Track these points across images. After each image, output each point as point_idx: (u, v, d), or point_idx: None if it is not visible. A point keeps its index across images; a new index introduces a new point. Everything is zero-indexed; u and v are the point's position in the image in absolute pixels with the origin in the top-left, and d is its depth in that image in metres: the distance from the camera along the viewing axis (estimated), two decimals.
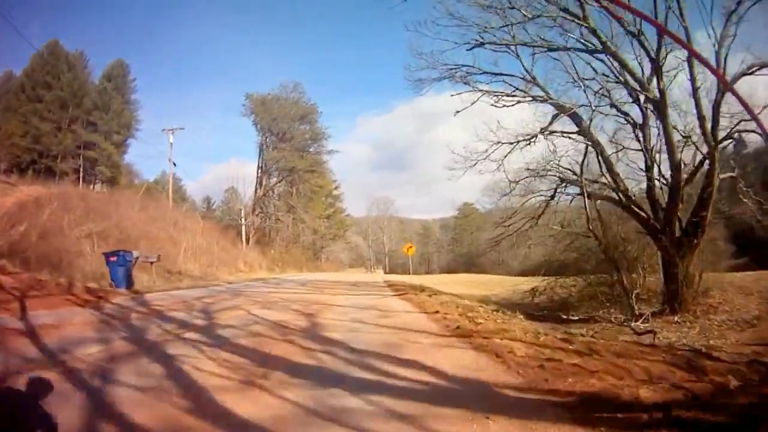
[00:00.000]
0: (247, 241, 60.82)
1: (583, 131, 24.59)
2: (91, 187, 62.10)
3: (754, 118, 6.62)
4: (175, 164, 55.11)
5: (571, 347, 9.19)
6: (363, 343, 9.20)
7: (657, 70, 21.57)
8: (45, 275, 18.70)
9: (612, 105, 24.57)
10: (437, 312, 14.33)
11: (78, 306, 14.19)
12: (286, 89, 72.07)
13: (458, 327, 11.15)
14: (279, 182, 73.78)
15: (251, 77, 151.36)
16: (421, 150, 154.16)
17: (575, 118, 24.89)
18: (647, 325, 17.80)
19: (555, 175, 27.07)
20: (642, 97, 22.63)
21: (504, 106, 25.73)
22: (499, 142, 26.27)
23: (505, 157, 26.50)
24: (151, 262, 26.66)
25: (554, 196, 27.62)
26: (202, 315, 13.72)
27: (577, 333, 14.91)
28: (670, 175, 22.39)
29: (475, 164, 26.89)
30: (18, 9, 74.29)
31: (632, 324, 17.23)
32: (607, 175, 24.42)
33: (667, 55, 21.40)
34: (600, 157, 24.60)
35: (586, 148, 24.83)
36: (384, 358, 8.06)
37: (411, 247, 43.20)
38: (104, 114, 64.29)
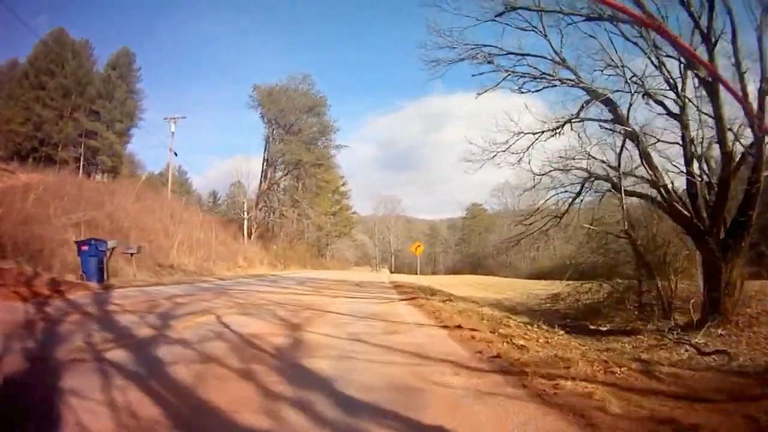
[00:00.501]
0: (249, 236, 57.52)
1: (620, 119, 21.24)
2: (92, 176, 59.06)
3: None
4: (176, 154, 52.56)
5: (664, 387, 6.75)
6: (360, 386, 5.92)
7: (708, 44, 18.21)
8: (12, 264, 16.66)
9: (645, 93, 21.24)
10: (459, 327, 11.00)
11: (20, 301, 12.01)
12: (294, 80, 68.70)
13: (498, 355, 7.80)
14: (284, 176, 70.44)
15: (256, 76, 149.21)
16: (428, 150, 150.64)
17: (609, 104, 21.62)
18: (699, 339, 14.40)
19: (583, 169, 23.82)
20: (680, 85, 19.67)
21: (528, 91, 22.86)
22: (521, 133, 23.18)
23: (528, 149, 23.46)
24: (131, 254, 24.14)
25: (581, 193, 23.98)
26: (157, 321, 10.54)
27: (622, 348, 13.54)
28: (721, 167, 19.01)
29: (494, 156, 23.70)
30: None
31: (693, 341, 13.83)
32: (648, 169, 20.94)
33: (720, 34, 18.15)
34: (638, 149, 21.20)
35: (624, 138, 21.48)
36: (392, 420, 4.74)
37: (419, 246, 40.11)
38: (107, 102, 61.81)
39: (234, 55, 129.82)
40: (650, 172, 21.01)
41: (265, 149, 67.66)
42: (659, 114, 21.32)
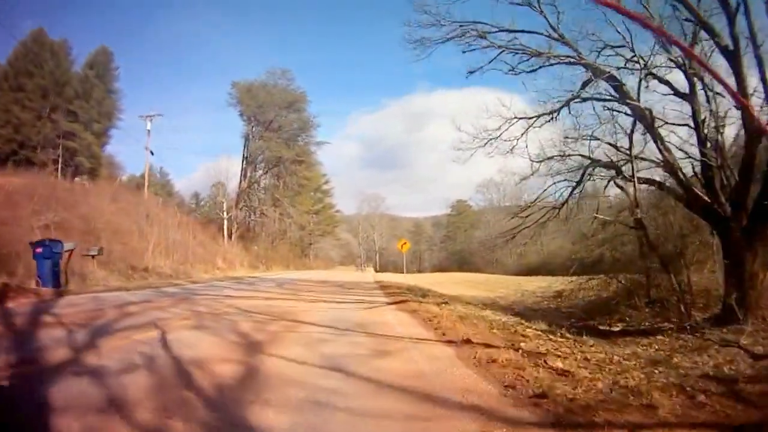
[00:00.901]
0: (230, 237, 54.71)
1: (627, 97, 18.91)
2: (70, 179, 56.20)
3: None
4: (152, 153, 49.46)
5: None
6: None
7: (728, 11, 15.90)
8: None
9: (649, 73, 18.91)
10: (468, 341, 8.36)
11: None
12: (273, 76, 65.56)
13: (542, 393, 5.20)
14: (264, 174, 67.61)
15: (238, 77, 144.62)
16: (412, 149, 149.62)
17: (613, 82, 19.21)
18: (744, 340, 11.95)
19: (584, 156, 21.66)
20: (688, 62, 17.36)
21: (523, 72, 20.70)
22: (514, 118, 21.26)
23: (522, 135, 21.56)
24: (92, 256, 22.46)
25: (581, 181, 21.85)
26: (86, 339, 8.11)
27: (653, 355, 11.36)
28: (744, 146, 16.75)
29: (485, 144, 21.76)
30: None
31: (741, 341, 11.40)
32: (662, 152, 18.57)
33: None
34: (650, 130, 18.85)
35: (634, 119, 19.23)
36: None
37: (405, 243, 37.79)
38: (85, 102, 59.16)
39: (216, 56, 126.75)
40: (664, 154, 18.72)
41: (245, 147, 64.88)
42: (664, 95, 19.15)
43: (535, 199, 23.70)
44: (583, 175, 21.72)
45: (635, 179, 18.77)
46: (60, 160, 57.74)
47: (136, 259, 30.16)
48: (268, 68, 67.68)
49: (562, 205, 22.50)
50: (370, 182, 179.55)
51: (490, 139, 21.59)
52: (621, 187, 22.16)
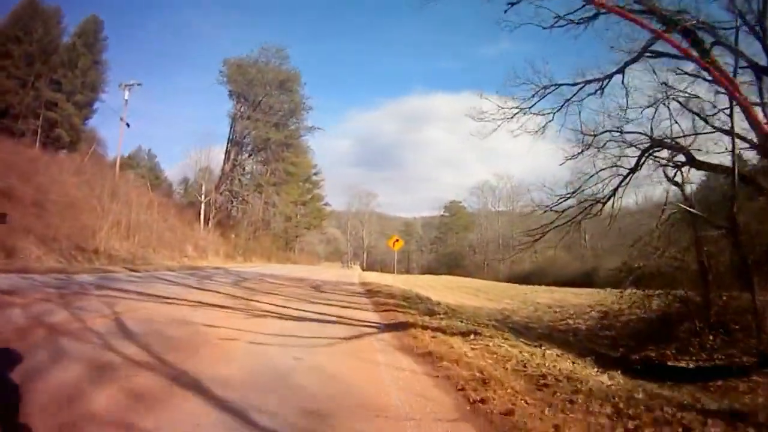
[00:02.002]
0: (206, 223, 48.14)
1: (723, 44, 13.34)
2: (49, 150, 50.36)
3: None
4: (128, 125, 44.00)
5: None
6: None
7: None
8: None
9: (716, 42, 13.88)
10: None
11: None
12: (266, 53, 58.59)
13: None
14: (249, 157, 60.40)
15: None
16: (406, 149, 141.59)
17: (690, 36, 13.82)
18: None
19: (644, 134, 16.59)
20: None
21: (567, 24, 16.09)
22: (552, 85, 16.80)
23: (560, 108, 17.20)
24: None
25: (637, 168, 16.62)
26: None
27: None
28: None
29: (513, 117, 17.47)
30: None
31: None
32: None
33: None
34: (737, 104, 12.96)
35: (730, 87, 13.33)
36: None
37: (398, 240, 32.41)
38: (70, 72, 52.89)
39: (213, 46, 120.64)
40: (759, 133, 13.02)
41: (231, 128, 57.77)
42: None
43: (574, 191, 17.85)
44: (639, 160, 16.52)
45: (735, 165, 12.94)
46: (39, 131, 51.76)
47: (85, 239, 25.44)
48: (263, 44, 60.01)
49: (608, 198, 17.39)
50: (362, 180, 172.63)
51: (519, 112, 17.32)
52: (675, 182, 16.73)
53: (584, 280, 50.35)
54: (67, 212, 26.02)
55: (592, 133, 16.98)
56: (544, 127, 17.64)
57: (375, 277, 37.58)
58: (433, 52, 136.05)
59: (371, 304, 15.05)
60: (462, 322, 12.69)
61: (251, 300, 13.18)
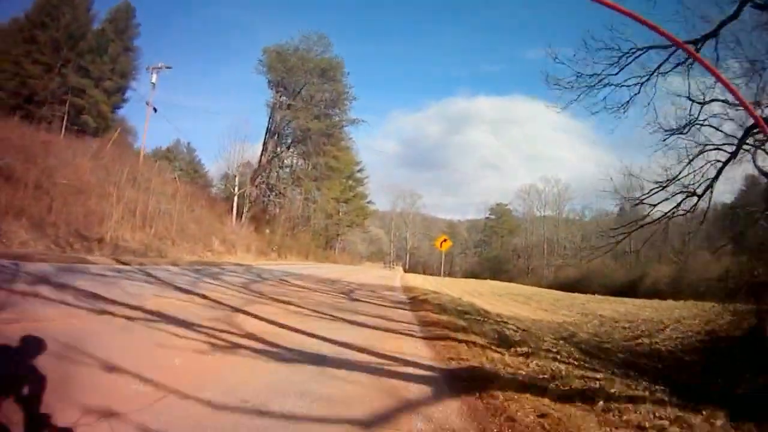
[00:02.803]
0: (239, 217, 43.93)
1: None
2: (74, 136, 47.30)
3: None
4: (155, 109, 39.98)
5: None
6: None
7: None
8: None
9: None
10: None
11: None
12: (308, 41, 53.62)
13: None
14: (288, 149, 55.71)
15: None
16: (450, 151, 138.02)
17: None
18: None
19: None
20: None
21: None
22: (639, 49, 13.78)
23: (649, 78, 14.30)
24: None
25: (737, 153, 13.51)
26: None
27: None
28: None
29: (593, 87, 14.68)
30: None
31: None
32: None
33: None
34: None
35: None
36: None
37: (446, 240, 28.00)
38: (98, 57, 50.35)
39: (255, 42, 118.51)
40: None
41: (270, 118, 53.34)
42: None
43: (667, 181, 14.50)
44: (742, 142, 13.35)
45: None
46: (65, 117, 49.54)
47: (89, 227, 22.34)
48: (303, 32, 55.05)
49: (706, 189, 14.11)
50: (406, 181, 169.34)
51: (600, 82, 14.55)
52: None
53: (629, 289, 48.76)
54: (74, 197, 23.19)
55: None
56: (627, 102, 14.81)
57: (418, 281, 33.16)
58: (478, 54, 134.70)
59: (417, 323, 10.27)
60: (558, 360, 7.95)
61: (242, 313, 8.65)
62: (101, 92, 51.51)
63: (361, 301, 13.83)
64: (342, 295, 14.64)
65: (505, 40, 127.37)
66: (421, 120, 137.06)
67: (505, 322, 14.03)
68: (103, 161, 30.10)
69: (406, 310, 12.89)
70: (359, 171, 76.16)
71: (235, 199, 43.62)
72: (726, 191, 66.10)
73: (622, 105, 14.93)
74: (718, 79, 7.01)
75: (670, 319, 21.26)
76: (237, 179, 44.33)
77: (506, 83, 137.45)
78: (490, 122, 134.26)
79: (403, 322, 10.30)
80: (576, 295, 38.79)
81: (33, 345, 4.06)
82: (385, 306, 13.50)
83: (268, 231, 45.40)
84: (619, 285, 54.00)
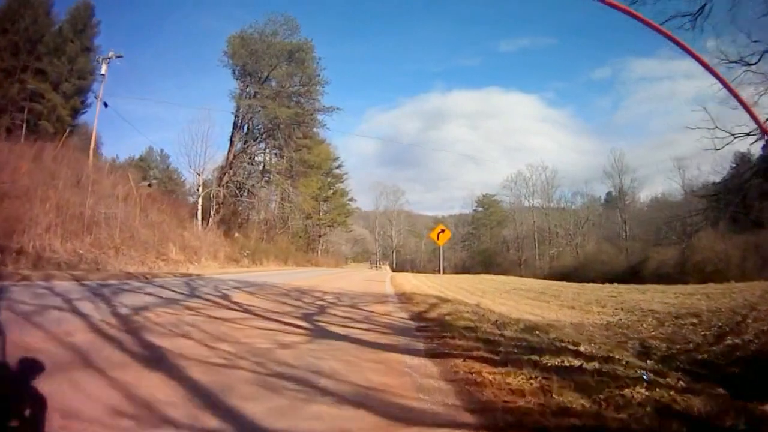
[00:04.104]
0: (204, 220, 37.68)
1: None
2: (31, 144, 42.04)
3: None
4: (105, 104, 35.37)
5: None
6: None
7: None
8: None
9: None
10: None
11: None
12: (273, 24, 46.62)
13: None
14: (256, 142, 48.98)
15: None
16: (430, 147, 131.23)
17: None
18: None
19: None
20: None
21: None
22: None
23: None
24: None
25: None
26: None
27: None
28: None
29: None
30: None
31: None
32: None
33: None
34: None
35: None
36: None
37: (444, 231, 22.40)
38: (56, 59, 45.77)
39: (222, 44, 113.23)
40: None
41: (237, 111, 46.24)
42: None
43: None
44: None
45: None
46: (24, 124, 44.39)
47: (7, 236, 18.36)
48: (269, 14, 49.44)
49: None
50: (387, 179, 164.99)
51: None
52: None
53: (632, 274, 45.32)
54: None
55: None
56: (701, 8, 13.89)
57: (413, 282, 27.46)
58: (452, 48, 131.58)
59: (444, 380, 4.64)
60: None
61: None
62: (60, 96, 46.99)
63: (334, 335, 7.58)
64: (302, 323, 8.46)
65: (479, 32, 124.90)
66: (398, 117, 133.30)
67: (546, 332, 9.01)
68: (44, 164, 25.27)
69: (419, 353, 6.35)
70: (338, 167, 70.90)
71: (199, 200, 37.52)
72: (708, 171, 64.39)
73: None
74: (718, 79, 5.64)
75: (740, 307, 16.62)
76: (200, 178, 38.10)
77: (481, 76, 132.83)
78: (467, 116, 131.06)
79: (414, 373, 4.73)
80: (592, 285, 33.43)
81: (29, 366, 3.93)
82: (380, 347, 6.89)
83: (236, 234, 39.10)
84: (621, 271, 50.30)
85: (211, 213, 38.96)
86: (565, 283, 37.63)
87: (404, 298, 15.08)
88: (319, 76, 46.60)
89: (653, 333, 14.68)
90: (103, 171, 33.04)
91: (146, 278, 16.88)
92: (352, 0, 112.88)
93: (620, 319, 17.37)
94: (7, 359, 4.21)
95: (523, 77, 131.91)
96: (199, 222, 36.72)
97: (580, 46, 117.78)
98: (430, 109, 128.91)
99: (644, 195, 77.02)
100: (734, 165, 63.32)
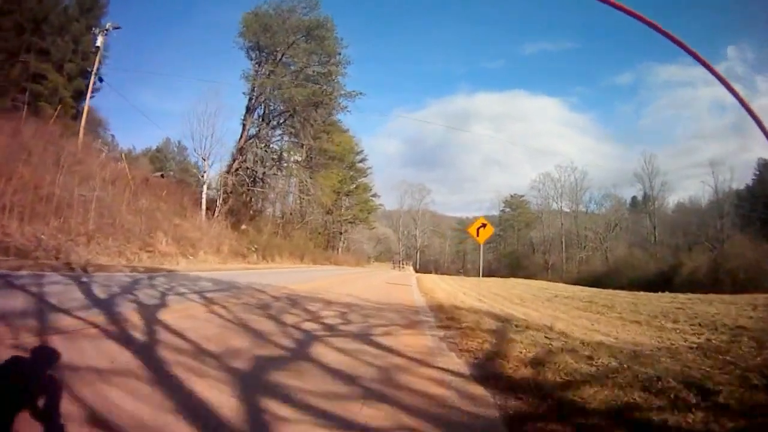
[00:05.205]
0: (209, 210, 32.95)
1: None
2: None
3: None
4: (101, 79, 33.80)
5: None
6: None
7: None
8: None
9: None
10: None
11: None
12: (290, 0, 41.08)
13: None
14: (268, 124, 43.05)
15: None
16: (454, 149, 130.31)
17: None
18: None
19: None
20: None
21: None
22: None
23: None
24: None
25: None
26: None
27: None
28: None
29: None
30: None
31: None
32: None
33: None
34: None
35: None
36: None
37: (485, 226, 17.52)
38: (59, 39, 41.74)
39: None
40: None
41: (251, 93, 40.69)
42: None
43: None
44: None
45: None
46: (25, 106, 39.12)
47: None
48: None
49: None
50: (413, 180, 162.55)
51: None
52: None
53: (664, 281, 41.25)
54: None
55: None
56: None
57: (441, 286, 22.84)
58: (476, 50, 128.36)
59: None
60: None
61: None
62: (64, 78, 42.87)
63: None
64: (225, 402, 3.72)
65: (503, 35, 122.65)
66: (424, 119, 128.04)
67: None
68: (21, 140, 21.43)
69: None
70: (361, 161, 66.22)
71: (204, 188, 32.80)
72: (732, 178, 61.97)
73: None
74: (720, 79, 5.08)
75: None
76: (206, 164, 33.36)
77: (505, 79, 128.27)
78: (491, 118, 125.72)
79: None
80: (645, 294, 28.84)
81: (46, 356, 3.98)
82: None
83: (243, 227, 34.15)
84: (652, 277, 46.35)
85: (218, 202, 34.24)
86: (625, 292, 32.88)
87: (443, 315, 9.86)
88: (340, 54, 41.31)
89: None
90: (89, 149, 29.41)
91: (85, 272, 12.34)
92: (378, 1, 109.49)
93: (709, 340, 12.54)
94: None
95: (547, 81, 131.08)
96: (203, 212, 32.08)
97: (603, 51, 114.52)
98: (454, 110, 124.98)
99: (671, 200, 73.63)
100: (758, 172, 62.41)
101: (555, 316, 15.90)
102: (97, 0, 46.00)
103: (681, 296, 26.71)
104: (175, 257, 23.41)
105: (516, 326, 8.58)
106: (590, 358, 5.87)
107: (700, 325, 15.25)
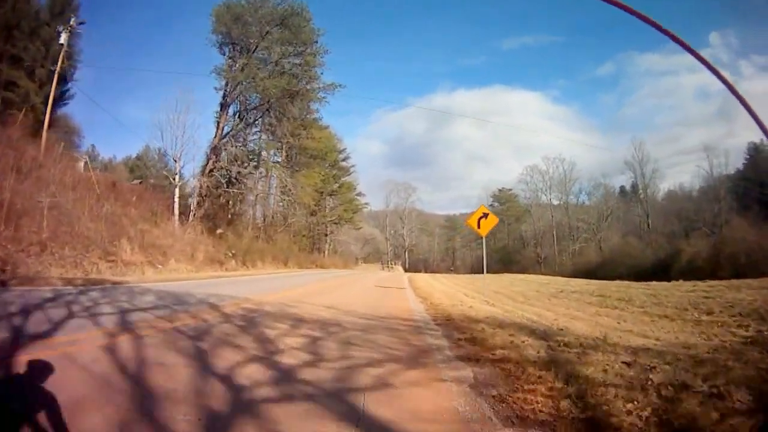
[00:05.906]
0: (183, 215, 30.49)
1: None
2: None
3: None
4: (66, 80, 34.15)
5: None
6: None
7: None
8: None
9: None
10: None
11: None
12: None
13: None
14: (243, 122, 39.66)
15: None
16: (436, 147, 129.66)
17: None
18: None
19: None
20: None
21: None
22: None
23: None
24: None
25: None
26: None
27: None
28: None
29: None
30: None
31: None
32: None
33: None
34: None
35: None
36: None
37: (487, 215, 15.21)
38: (29, 43, 39.79)
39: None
40: None
41: (225, 89, 37.80)
42: None
43: None
44: None
45: None
46: None
47: None
48: None
49: None
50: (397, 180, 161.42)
51: None
52: None
53: (662, 270, 40.47)
54: None
55: None
56: None
57: (436, 286, 20.58)
58: (457, 47, 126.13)
59: None
60: None
61: None
62: (35, 84, 40.32)
63: None
64: None
65: (482, 31, 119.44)
66: (405, 118, 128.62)
67: None
68: None
69: None
70: (344, 159, 64.06)
71: (176, 191, 30.23)
72: (727, 163, 62.08)
73: None
74: (707, 66, 4.99)
75: None
76: (177, 165, 30.79)
77: (485, 75, 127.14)
78: (473, 114, 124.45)
79: None
80: (662, 284, 26.54)
81: (41, 370, 3.85)
82: None
83: (220, 231, 31.65)
84: (650, 266, 45.60)
85: (192, 206, 31.78)
86: (634, 282, 30.88)
87: (457, 333, 7.16)
88: (317, 43, 38.64)
89: None
90: (52, 154, 27.07)
91: (3, 286, 10.08)
92: (357, 1, 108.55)
93: (760, 331, 10.54)
94: None
95: (528, 75, 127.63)
96: (176, 217, 29.65)
97: (583, 43, 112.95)
98: (438, 107, 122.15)
99: (662, 188, 72.31)
100: (748, 156, 62.22)
101: (571, 314, 13.84)
102: (69, 4, 44.31)
103: (701, 284, 24.65)
104: (140, 267, 21.14)
105: (564, 344, 6.24)
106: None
107: (740, 315, 13.28)
